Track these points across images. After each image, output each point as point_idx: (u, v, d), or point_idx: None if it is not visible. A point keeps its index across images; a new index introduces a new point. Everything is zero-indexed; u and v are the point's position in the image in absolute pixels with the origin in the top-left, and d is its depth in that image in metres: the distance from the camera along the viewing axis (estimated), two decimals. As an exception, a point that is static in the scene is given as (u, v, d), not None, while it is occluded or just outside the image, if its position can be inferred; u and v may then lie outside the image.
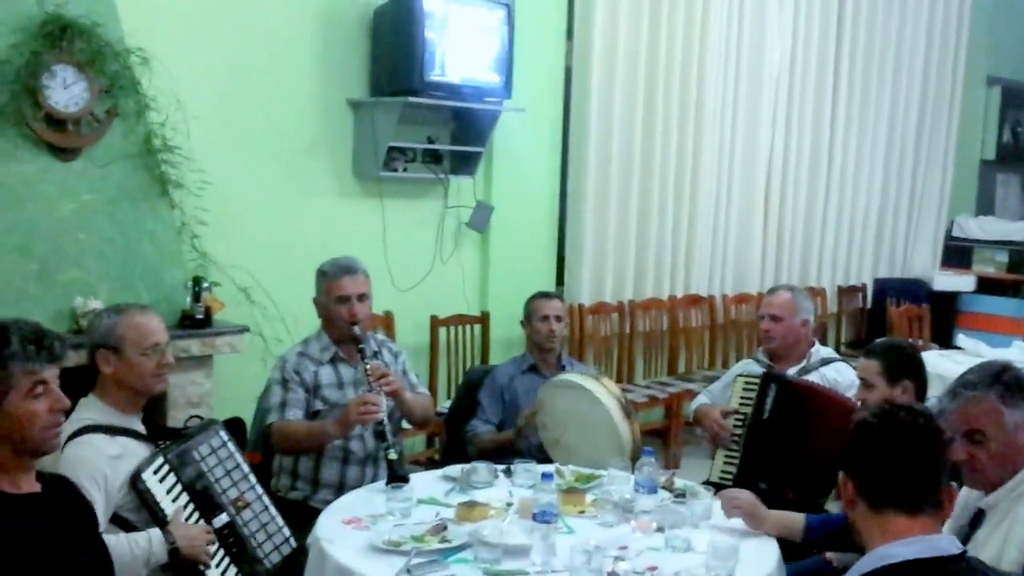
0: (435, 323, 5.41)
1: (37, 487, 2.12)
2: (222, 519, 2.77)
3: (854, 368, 3.96)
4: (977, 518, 2.35)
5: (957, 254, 8.53)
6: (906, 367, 3.07)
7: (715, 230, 6.73)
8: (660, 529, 2.80)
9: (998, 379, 2.30)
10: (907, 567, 1.72)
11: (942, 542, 1.77)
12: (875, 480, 1.81)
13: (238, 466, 2.89)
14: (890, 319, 6.92)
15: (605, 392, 3.56)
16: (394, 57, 4.92)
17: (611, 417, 3.50)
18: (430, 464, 4.57)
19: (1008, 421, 2.26)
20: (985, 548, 2.23)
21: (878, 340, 3.39)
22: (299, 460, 3.49)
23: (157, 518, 2.60)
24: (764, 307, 3.98)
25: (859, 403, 3.22)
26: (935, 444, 1.82)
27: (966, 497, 2.43)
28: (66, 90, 3.89)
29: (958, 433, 2.29)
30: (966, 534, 2.33)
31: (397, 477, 3.11)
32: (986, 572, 1.80)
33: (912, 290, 7.71)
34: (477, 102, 5.20)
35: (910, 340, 3.57)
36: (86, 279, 4.03)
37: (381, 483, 3.18)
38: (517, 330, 4.98)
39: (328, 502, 3.11)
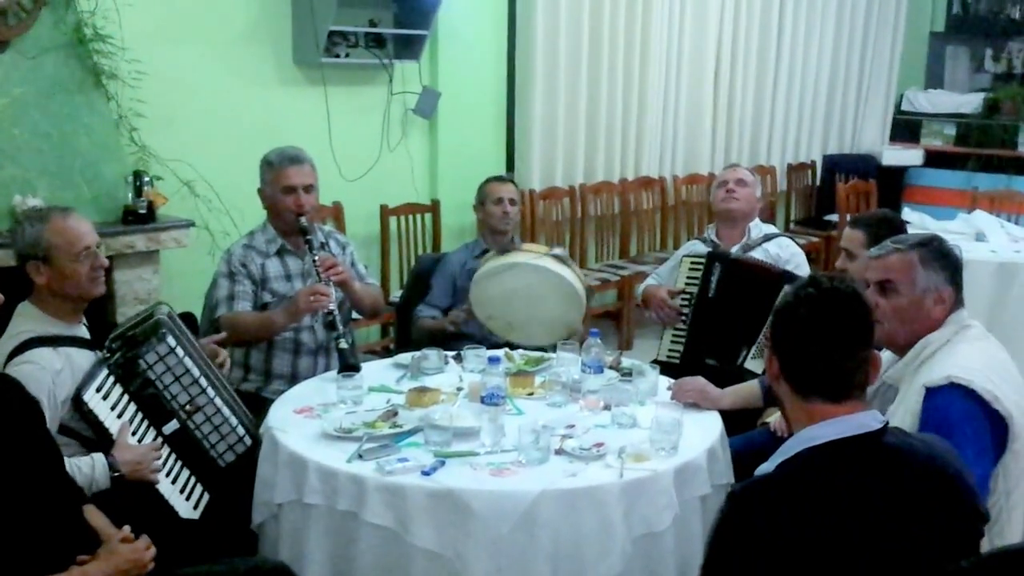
0: (385, 212, 5.38)
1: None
2: (172, 426, 2.74)
3: (796, 243, 4.08)
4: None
5: (906, 128, 8.56)
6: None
7: (665, 111, 6.69)
8: (607, 407, 2.87)
9: (924, 244, 2.42)
10: (831, 447, 1.74)
11: (864, 418, 1.78)
12: (803, 371, 1.80)
13: (187, 371, 2.79)
14: (837, 195, 6.97)
15: (531, 255, 3.58)
16: (331, -66, 4.76)
17: (549, 272, 3.52)
18: (384, 353, 4.60)
19: (919, 281, 2.37)
20: (894, 419, 2.31)
21: (865, 212, 3.38)
22: (250, 352, 3.50)
23: (102, 436, 2.55)
24: (728, 174, 4.04)
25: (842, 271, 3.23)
26: (865, 329, 1.80)
27: (882, 376, 2.49)
28: (-12, -21, 3.74)
29: (874, 281, 2.41)
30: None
31: (348, 366, 3.14)
32: (904, 441, 1.83)
33: (861, 165, 7.75)
34: (419, -18, 5.07)
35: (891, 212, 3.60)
36: (24, 176, 3.95)
37: (332, 373, 3.21)
38: (468, 217, 4.97)
39: (280, 393, 3.13)
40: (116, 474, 2.47)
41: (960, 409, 2.18)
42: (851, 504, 1.68)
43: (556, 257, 3.58)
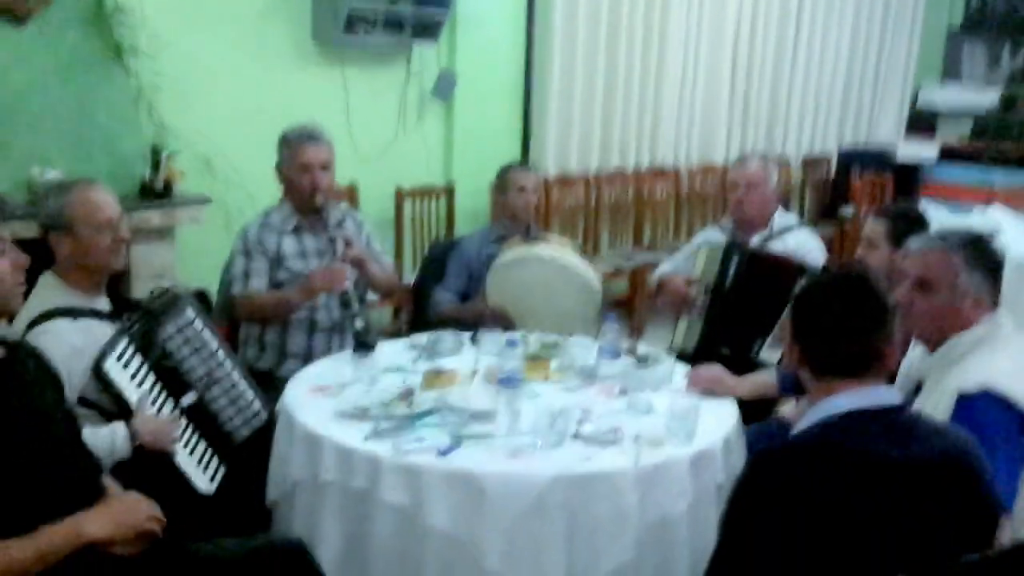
0: (400, 195, 5.37)
1: (1, 352, 2.10)
2: (190, 397, 2.76)
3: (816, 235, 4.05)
4: (917, 388, 2.42)
5: (922, 123, 8.52)
6: (912, 232, 2.96)
7: (681, 100, 6.65)
8: (623, 393, 2.86)
9: (971, 243, 2.37)
10: (849, 417, 1.79)
11: (882, 392, 1.83)
12: (818, 352, 1.87)
13: (205, 344, 2.85)
14: (853, 189, 6.94)
15: (549, 248, 3.59)
16: (354, -85, 4.74)
17: (566, 265, 3.57)
18: (396, 336, 4.59)
19: (961, 283, 2.32)
20: None
21: (890, 204, 3.34)
22: (266, 330, 3.49)
23: (122, 406, 2.56)
24: (739, 176, 3.92)
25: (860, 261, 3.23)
26: (875, 310, 1.85)
27: (907, 368, 2.48)
28: (13, -48, 3.73)
29: (910, 277, 2.38)
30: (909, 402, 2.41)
31: (363, 345, 3.14)
32: (923, 420, 1.87)
33: (876, 160, 7.71)
34: (440, -37, 5.05)
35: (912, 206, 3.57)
36: (43, 149, 3.95)
37: (347, 352, 3.21)
38: (483, 201, 4.97)
39: (295, 372, 3.11)
40: (136, 444, 2.48)
41: (994, 417, 2.17)
42: (866, 474, 1.72)
43: (572, 248, 3.61)
